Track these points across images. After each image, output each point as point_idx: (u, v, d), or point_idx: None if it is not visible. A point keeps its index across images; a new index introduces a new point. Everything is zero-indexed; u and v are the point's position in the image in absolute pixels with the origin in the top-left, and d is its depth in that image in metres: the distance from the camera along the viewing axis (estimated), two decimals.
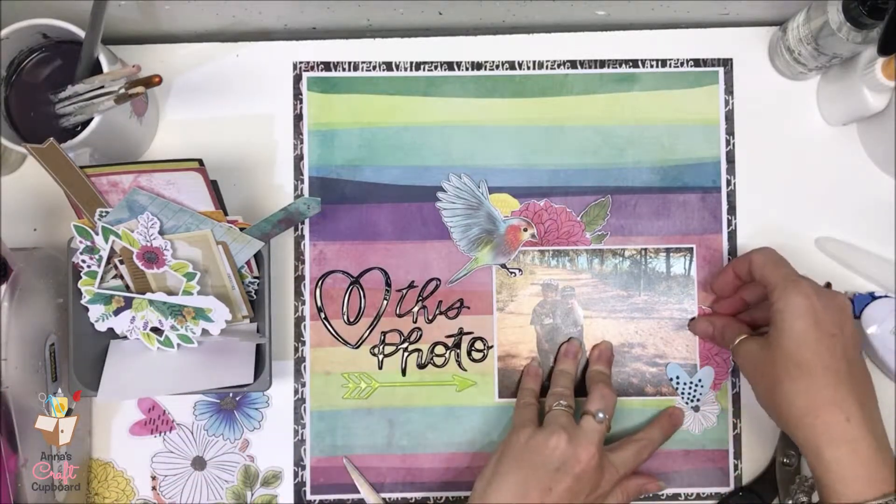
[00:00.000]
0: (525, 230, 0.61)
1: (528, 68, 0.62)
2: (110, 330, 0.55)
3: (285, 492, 0.60)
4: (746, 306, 0.58)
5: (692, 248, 0.61)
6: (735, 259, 0.58)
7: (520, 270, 0.61)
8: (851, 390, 0.48)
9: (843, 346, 0.49)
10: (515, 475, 0.52)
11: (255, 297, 0.57)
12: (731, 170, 0.61)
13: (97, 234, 0.53)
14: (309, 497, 0.60)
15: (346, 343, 0.61)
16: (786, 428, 0.51)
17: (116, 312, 0.55)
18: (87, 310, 0.55)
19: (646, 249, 0.61)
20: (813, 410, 0.48)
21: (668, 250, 0.61)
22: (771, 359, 0.51)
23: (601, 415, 0.54)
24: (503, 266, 0.61)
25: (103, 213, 0.53)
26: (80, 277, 0.54)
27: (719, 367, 0.60)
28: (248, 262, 0.56)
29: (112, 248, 0.54)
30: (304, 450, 0.60)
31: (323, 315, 0.61)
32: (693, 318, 0.60)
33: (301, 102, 0.62)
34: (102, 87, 0.52)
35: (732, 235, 0.61)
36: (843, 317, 0.50)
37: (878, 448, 0.47)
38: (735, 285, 0.58)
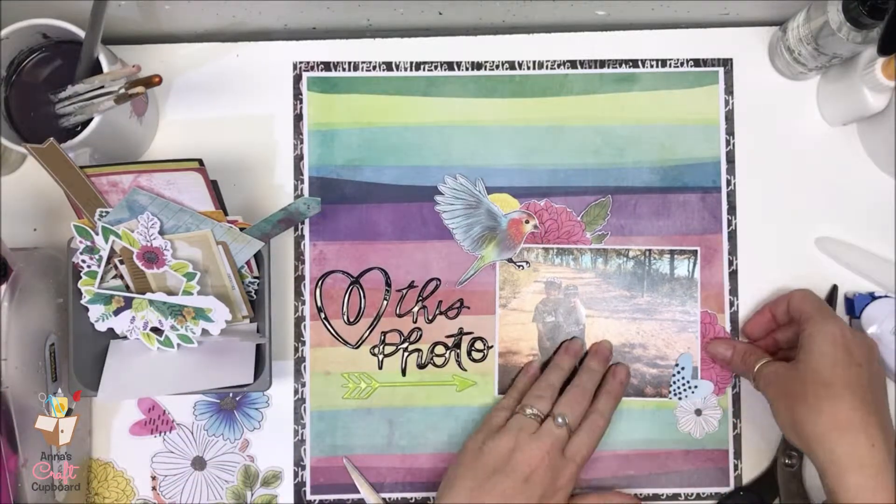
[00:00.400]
0: (527, 222, 0.61)
1: (528, 68, 0.62)
2: (110, 330, 0.55)
3: (285, 492, 0.60)
4: (778, 349, 0.58)
5: (696, 251, 0.61)
6: (773, 300, 0.59)
7: (527, 263, 0.61)
8: (878, 419, 0.49)
9: (869, 377, 0.51)
10: (468, 481, 0.53)
11: (255, 297, 0.57)
12: (731, 170, 0.61)
13: (97, 234, 0.53)
14: (309, 497, 0.60)
15: (346, 343, 0.61)
16: (806, 447, 0.50)
17: (116, 312, 0.55)
18: (87, 310, 0.55)
19: (650, 250, 0.61)
20: (837, 430, 0.49)
21: (672, 252, 0.61)
22: (797, 378, 0.51)
23: (560, 419, 0.54)
24: (510, 261, 0.61)
25: (103, 213, 0.53)
26: (80, 277, 0.54)
27: (720, 381, 0.60)
28: (248, 262, 0.56)
29: (112, 248, 0.54)
30: (304, 450, 0.60)
31: (323, 315, 0.61)
32: (711, 340, 0.60)
33: (301, 102, 0.62)
34: (102, 87, 0.52)
35: (732, 235, 0.61)
36: (870, 353, 0.52)
37: (893, 476, 0.48)
38: (769, 328, 0.59)
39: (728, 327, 0.61)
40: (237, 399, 0.61)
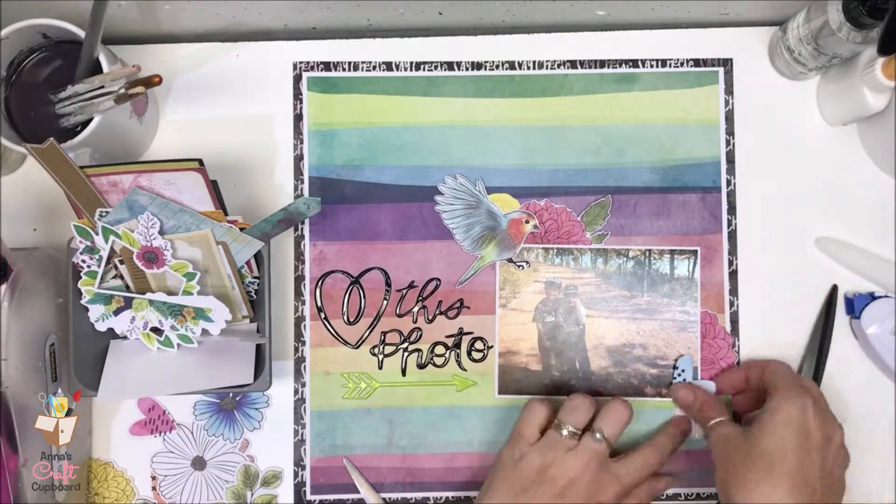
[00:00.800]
0: (527, 222, 0.61)
1: (528, 68, 0.62)
2: (110, 330, 0.55)
3: (285, 492, 0.60)
4: (742, 410, 0.58)
5: (696, 251, 0.61)
6: (750, 361, 0.58)
7: (527, 263, 0.61)
8: None
9: (822, 465, 0.49)
10: (505, 492, 0.53)
11: (255, 297, 0.57)
12: (731, 170, 0.61)
13: (97, 234, 0.53)
14: (309, 497, 0.60)
15: (346, 343, 0.61)
16: None
17: (116, 312, 0.55)
18: (87, 310, 0.55)
19: (650, 250, 0.61)
20: None
21: (672, 252, 0.61)
22: (744, 450, 0.50)
23: (598, 434, 0.53)
24: (510, 260, 0.61)
25: (103, 213, 0.53)
26: (80, 277, 0.54)
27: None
28: (248, 262, 0.56)
29: (112, 248, 0.54)
30: (304, 450, 0.60)
31: (323, 315, 0.61)
32: (673, 384, 0.59)
33: (301, 102, 0.62)
34: (102, 87, 0.52)
35: (732, 235, 0.61)
36: (831, 440, 0.51)
37: None
38: (740, 387, 0.58)
39: (728, 327, 0.61)
40: (237, 399, 0.61)
